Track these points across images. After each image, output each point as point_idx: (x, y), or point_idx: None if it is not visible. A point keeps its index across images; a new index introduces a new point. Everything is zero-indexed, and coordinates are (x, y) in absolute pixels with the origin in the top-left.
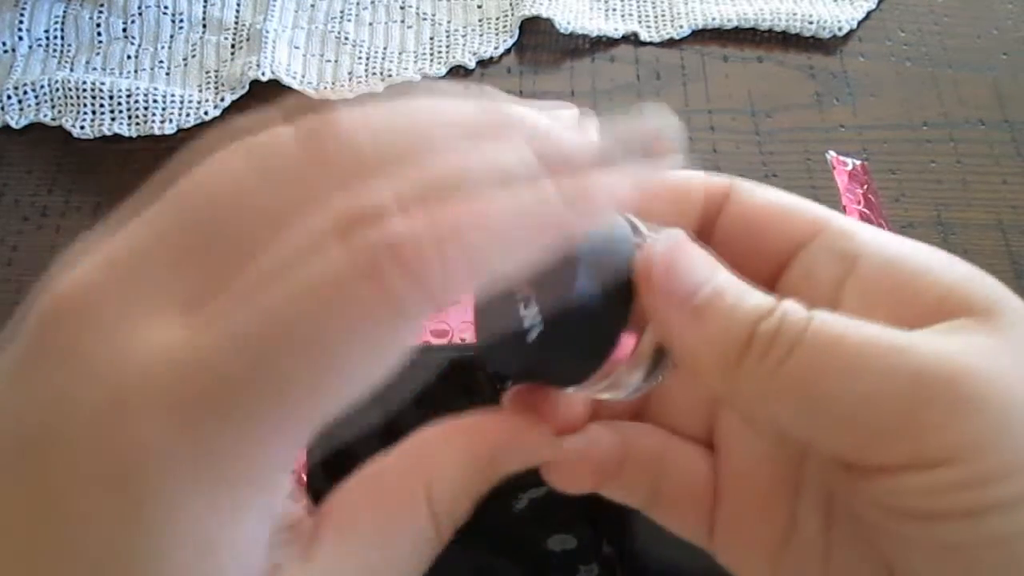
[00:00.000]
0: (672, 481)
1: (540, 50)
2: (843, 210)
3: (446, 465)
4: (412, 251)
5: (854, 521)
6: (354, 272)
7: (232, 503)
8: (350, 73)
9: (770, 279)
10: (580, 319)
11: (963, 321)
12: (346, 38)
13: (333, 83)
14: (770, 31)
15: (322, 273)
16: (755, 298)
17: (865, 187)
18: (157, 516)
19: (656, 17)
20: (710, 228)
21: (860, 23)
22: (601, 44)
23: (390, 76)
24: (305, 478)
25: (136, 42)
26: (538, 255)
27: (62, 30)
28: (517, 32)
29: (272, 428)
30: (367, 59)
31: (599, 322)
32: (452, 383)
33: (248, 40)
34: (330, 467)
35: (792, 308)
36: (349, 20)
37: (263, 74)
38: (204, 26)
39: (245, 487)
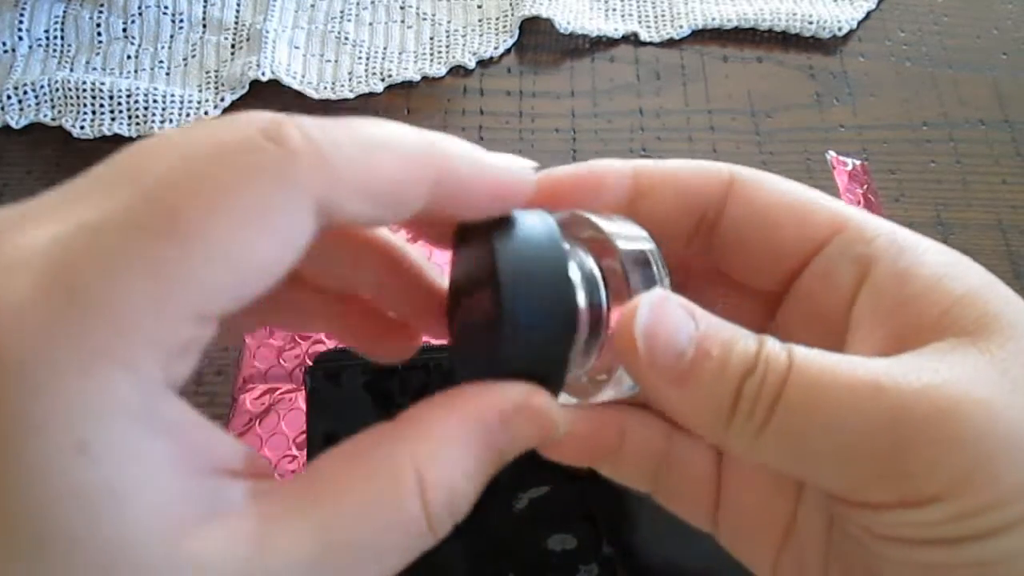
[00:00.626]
0: (675, 471)
1: (540, 50)
2: None
3: (444, 440)
4: (318, 130)
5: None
6: (261, 133)
7: (103, 393)
8: (350, 73)
9: (785, 280)
10: (527, 341)
11: (956, 341)
12: (346, 38)
13: (333, 83)
14: (770, 31)
15: (230, 130)
16: (739, 348)
17: (865, 187)
18: (21, 393)
19: (656, 17)
20: (711, 222)
21: (860, 23)
22: (601, 44)
23: (390, 76)
24: None
25: (136, 42)
26: (426, 187)
27: (62, 30)
28: (517, 32)
29: (156, 284)
30: (367, 59)
31: (544, 342)
32: (452, 383)
33: (248, 40)
34: None
35: (773, 355)
36: (349, 20)
37: (263, 74)
38: (204, 26)
39: (120, 374)
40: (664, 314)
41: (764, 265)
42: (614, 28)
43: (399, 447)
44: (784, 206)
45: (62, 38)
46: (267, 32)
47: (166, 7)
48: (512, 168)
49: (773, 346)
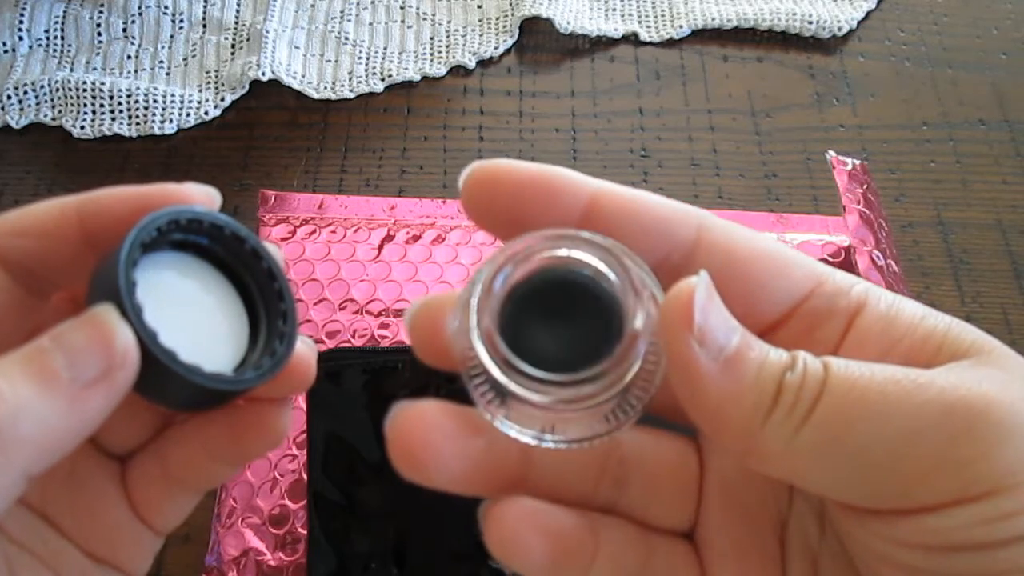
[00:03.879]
0: None
1: (540, 50)
2: (843, 210)
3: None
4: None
5: None
6: None
7: None
8: (350, 73)
9: (761, 333)
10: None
11: (966, 362)
12: (346, 38)
13: (333, 83)
14: (770, 31)
15: None
16: (776, 350)
17: (865, 187)
18: None
19: (656, 17)
20: (675, 266)
21: (860, 23)
22: (601, 44)
23: (390, 76)
24: (306, 478)
25: (136, 42)
26: None
27: (62, 30)
28: (517, 32)
29: None
30: (367, 59)
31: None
32: (453, 382)
33: (248, 40)
34: (330, 468)
35: (809, 359)
36: (349, 20)
37: (263, 74)
38: (204, 26)
39: None
40: (714, 298)
41: (739, 317)
42: (614, 28)
43: None
44: (761, 259)
45: (62, 38)
46: (267, 32)
47: (166, 7)
48: None
49: (806, 353)
